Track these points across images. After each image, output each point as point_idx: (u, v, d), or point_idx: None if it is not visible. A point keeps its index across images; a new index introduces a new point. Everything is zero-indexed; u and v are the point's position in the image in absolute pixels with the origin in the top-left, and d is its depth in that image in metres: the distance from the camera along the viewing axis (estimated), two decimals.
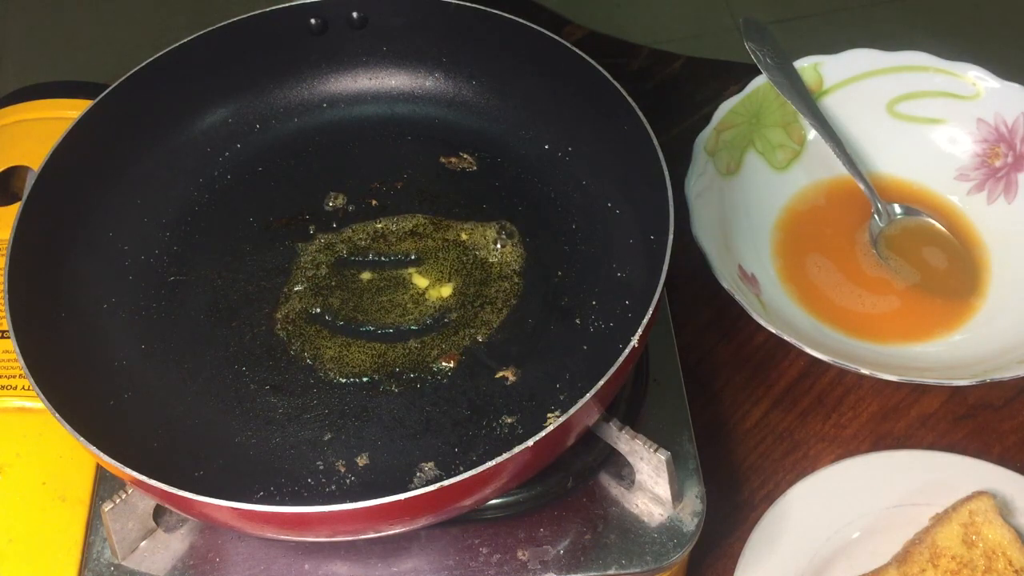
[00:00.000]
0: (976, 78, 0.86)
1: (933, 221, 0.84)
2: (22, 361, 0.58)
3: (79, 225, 0.69)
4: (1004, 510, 0.69)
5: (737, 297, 0.74)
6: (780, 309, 0.79)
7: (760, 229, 0.85)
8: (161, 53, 0.72)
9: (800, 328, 0.78)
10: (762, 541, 0.69)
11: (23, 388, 0.70)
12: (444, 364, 0.65)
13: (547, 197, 0.73)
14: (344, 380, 0.65)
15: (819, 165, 0.88)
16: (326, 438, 0.62)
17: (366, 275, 0.69)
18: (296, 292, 0.69)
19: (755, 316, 0.73)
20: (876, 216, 0.83)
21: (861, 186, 0.83)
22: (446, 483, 0.52)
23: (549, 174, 0.74)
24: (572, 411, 0.55)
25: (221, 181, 0.75)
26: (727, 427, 0.78)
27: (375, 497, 0.52)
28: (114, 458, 0.55)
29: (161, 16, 1.99)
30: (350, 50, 0.78)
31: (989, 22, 1.89)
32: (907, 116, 0.88)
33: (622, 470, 0.65)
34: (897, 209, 0.84)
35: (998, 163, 0.86)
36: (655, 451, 0.61)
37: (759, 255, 0.83)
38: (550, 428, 0.54)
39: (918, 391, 0.78)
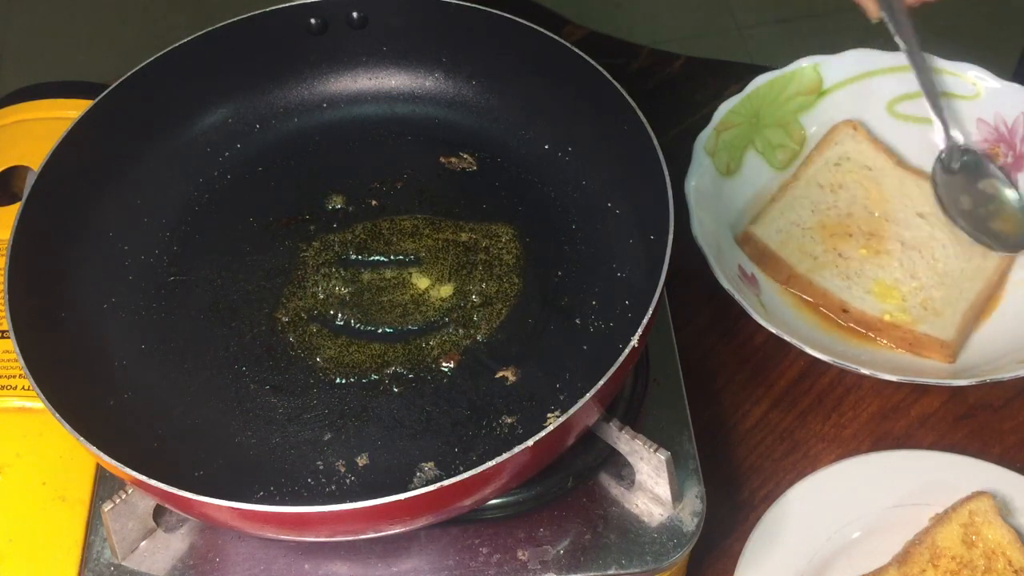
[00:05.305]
0: (976, 78, 0.86)
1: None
2: (22, 361, 0.58)
3: (79, 225, 0.69)
4: (1004, 510, 0.69)
5: (737, 297, 0.74)
6: (780, 309, 0.79)
7: None
8: (161, 53, 0.72)
9: (800, 328, 0.78)
10: (762, 541, 0.69)
11: (23, 388, 0.70)
12: (444, 364, 0.65)
13: (547, 197, 0.73)
14: (344, 380, 0.64)
15: None
16: (326, 438, 0.62)
17: (366, 275, 0.69)
18: (296, 292, 0.69)
19: (755, 316, 0.73)
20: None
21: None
22: (446, 483, 0.52)
23: (549, 174, 0.74)
24: (572, 411, 0.55)
25: (221, 181, 0.75)
26: (727, 427, 0.77)
27: (375, 497, 0.52)
28: (114, 458, 0.55)
29: (161, 16, 1.99)
30: (350, 50, 0.78)
31: (989, 22, 1.89)
32: (907, 116, 0.88)
33: (622, 470, 0.65)
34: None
35: (998, 163, 0.85)
36: (655, 451, 0.61)
37: None
38: (550, 428, 0.54)
39: (918, 391, 0.78)
